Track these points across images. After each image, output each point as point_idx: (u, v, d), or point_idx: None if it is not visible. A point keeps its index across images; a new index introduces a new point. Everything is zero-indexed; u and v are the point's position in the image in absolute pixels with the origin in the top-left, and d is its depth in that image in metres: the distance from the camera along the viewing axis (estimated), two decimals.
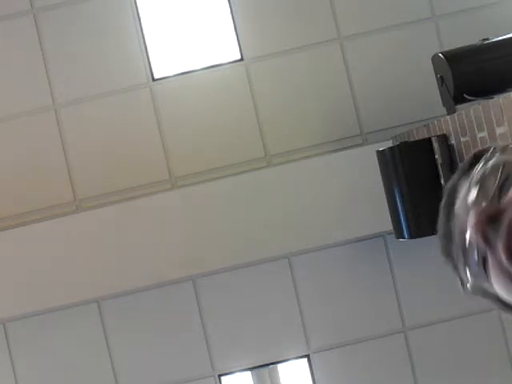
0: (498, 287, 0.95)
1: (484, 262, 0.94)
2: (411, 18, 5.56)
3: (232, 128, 5.49)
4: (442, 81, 4.26)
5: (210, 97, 5.53)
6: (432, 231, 3.96)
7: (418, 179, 4.01)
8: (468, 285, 1.00)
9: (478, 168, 0.98)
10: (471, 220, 0.94)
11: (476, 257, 0.95)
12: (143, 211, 5.23)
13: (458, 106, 4.15)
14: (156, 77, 5.55)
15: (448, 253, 1.04)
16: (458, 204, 1.00)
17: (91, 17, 5.54)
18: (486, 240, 0.92)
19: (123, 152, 5.45)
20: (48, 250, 5.15)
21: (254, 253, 5.23)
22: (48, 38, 5.50)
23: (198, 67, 5.57)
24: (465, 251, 0.98)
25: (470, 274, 0.98)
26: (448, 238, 1.03)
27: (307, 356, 5.54)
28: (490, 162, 0.97)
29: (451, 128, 3.82)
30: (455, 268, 1.03)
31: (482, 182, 0.95)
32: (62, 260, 5.14)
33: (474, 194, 0.95)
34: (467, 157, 1.06)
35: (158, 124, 5.50)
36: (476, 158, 1.01)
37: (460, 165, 1.06)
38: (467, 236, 0.96)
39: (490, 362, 5.46)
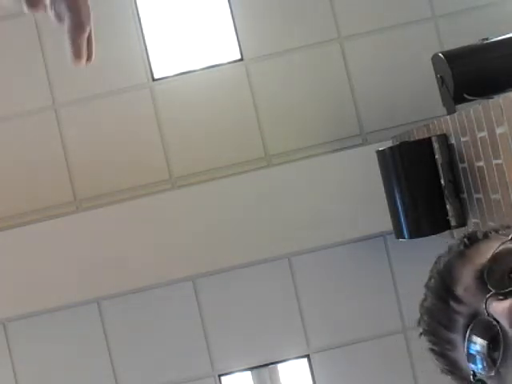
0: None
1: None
2: (411, 18, 5.57)
3: (232, 128, 5.49)
4: (442, 81, 4.26)
5: (209, 97, 5.53)
6: (432, 231, 3.93)
7: (418, 179, 4.01)
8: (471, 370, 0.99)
9: (489, 249, 0.98)
10: (501, 310, 0.92)
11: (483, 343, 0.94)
12: (143, 211, 5.23)
13: (458, 106, 4.15)
14: (156, 77, 5.55)
15: (441, 338, 1.03)
16: (462, 289, 0.99)
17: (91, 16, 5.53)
18: None
19: (123, 152, 5.45)
20: (48, 249, 5.15)
21: (254, 253, 5.23)
22: (48, 38, 5.50)
23: (198, 67, 5.57)
24: (470, 339, 0.97)
25: (473, 362, 0.98)
26: (444, 324, 1.01)
27: (307, 356, 5.54)
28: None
29: (451, 128, 3.82)
30: (442, 353, 1.03)
31: (495, 265, 0.95)
32: (61, 260, 5.14)
33: (489, 277, 0.95)
34: (458, 238, 1.06)
35: (158, 124, 5.50)
36: (469, 240, 1.03)
37: (450, 246, 1.06)
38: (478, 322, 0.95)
39: None
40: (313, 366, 5.54)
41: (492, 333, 0.93)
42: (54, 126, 5.47)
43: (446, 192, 3.93)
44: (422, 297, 1.07)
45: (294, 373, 5.62)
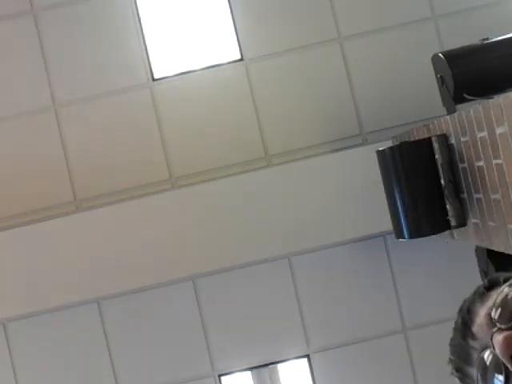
0: None
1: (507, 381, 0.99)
2: (411, 18, 5.57)
3: (232, 128, 5.50)
4: (442, 81, 4.26)
5: (210, 97, 5.53)
6: (432, 231, 3.93)
7: (418, 179, 4.01)
8: None
9: (503, 290, 1.05)
10: (498, 340, 0.98)
11: (499, 377, 0.99)
12: (143, 211, 5.23)
13: (458, 106, 4.15)
14: (156, 77, 5.55)
15: (463, 373, 1.09)
16: (477, 326, 1.05)
17: (91, 17, 5.54)
18: None
19: (123, 152, 5.45)
20: (48, 249, 5.15)
21: (254, 253, 5.23)
22: (48, 38, 5.50)
23: (198, 67, 5.57)
24: (485, 372, 1.02)
25: None
26: (463, 358, 1.09)
27: (307, 356, 5.54)
28: None
29: (451, 128, 3.82)
30: None
31: (504, 304, 1.02)
32: (61, 260, 5.13)
33: (497, 315, 1.02)
34: (483, 282, 1.14)
35: (158, 124, 5.50)
36: (490, 283, 1.10)
37: (475, 288, 1.14)
38: (488, 356, 1.01)
39: None
40: (313, 366, 5.54)
41: (497, 364, 0.99)
42: (54, 126, 5.47)
43: (446, 192, 3.93)
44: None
45: (294, 373, 5.62)
